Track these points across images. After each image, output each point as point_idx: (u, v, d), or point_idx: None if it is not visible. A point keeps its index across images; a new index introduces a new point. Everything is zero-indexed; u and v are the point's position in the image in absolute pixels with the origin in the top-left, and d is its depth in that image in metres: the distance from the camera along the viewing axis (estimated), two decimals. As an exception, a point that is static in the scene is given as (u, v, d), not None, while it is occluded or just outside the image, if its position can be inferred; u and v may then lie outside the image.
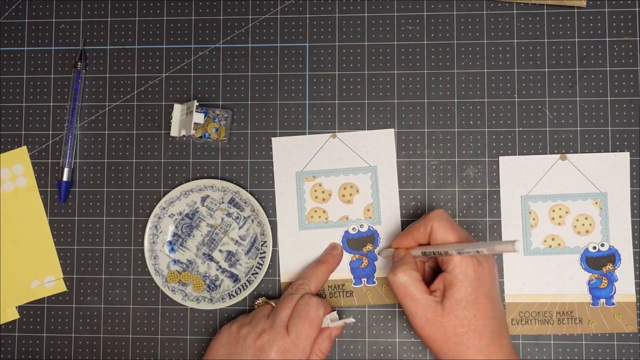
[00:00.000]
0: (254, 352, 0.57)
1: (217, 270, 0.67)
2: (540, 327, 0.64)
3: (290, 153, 0.67)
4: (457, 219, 0.65)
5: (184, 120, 0.66)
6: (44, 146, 0.69)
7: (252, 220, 0.66)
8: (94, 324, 0.67)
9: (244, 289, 0.65)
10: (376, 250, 0.66)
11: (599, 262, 0.64)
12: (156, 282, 0.66)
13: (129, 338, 0.67)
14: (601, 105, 0.65)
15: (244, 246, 0.67)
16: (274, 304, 0.61)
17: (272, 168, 0.67)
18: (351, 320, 0.61)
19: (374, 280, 0.66)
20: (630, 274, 0.64)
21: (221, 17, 0.68)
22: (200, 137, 0.66)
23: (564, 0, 0.66)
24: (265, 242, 0.65)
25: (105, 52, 0.69)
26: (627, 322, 0.64)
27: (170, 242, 0.67)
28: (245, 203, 0.66)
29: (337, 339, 0.65)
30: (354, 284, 0.66)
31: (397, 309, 0.66)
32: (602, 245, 0.64)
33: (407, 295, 0.56)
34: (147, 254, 0.66)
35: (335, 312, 0.61)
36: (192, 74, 0.68)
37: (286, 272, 0.66)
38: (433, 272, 0.61)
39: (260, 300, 0.63)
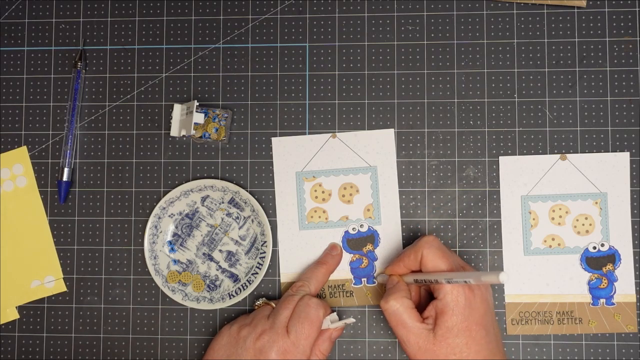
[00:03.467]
0: (254, 353, 0.57)
1: (217, 270, 0.67)
2: (540, 327, 0.64)
3: (290, 153, 0.67)
4: (457, 219, 0.65)
5: (184, 120, 0.66)
6: (44, 146, 0.69)
7: (252, 220, 0.66)
8: (94, 324, 0.67)
9: (244, 289, 0.65)
10: (374, 274, 0.66)
11: (599, 262, 0.64)
12: (156, 282, 0.66)
13: (129, 338, 0.67)
14: (601, 105, 0.65)
15: (244, 246, 0.67)
16: (274, 305, 0.61)
17: (272, 168, 0.67)
18: (351, 320, 0.61)
19: (374, 280, 0.66)
20: (630, 274, 0.64)
21: (221, 17, 0.68)
22: (200, 137, 0.66)
23: (564, 0, 0.66)
24: (265, 242, 0.66)
25: (105, 52, 0.69)
26: (627, 322, 0.64)
27: (170, 242, 0.67)
28: (245, 203, 0.66)
29: (337, 339, 0.65)
30: (354, 284, 0.66)
31: (397, 309, 0.66)
32: (602, 245, 0.64)
33: (399, 323, 0.56)
34: (147, 254, 0.66)
35: (335, 313, 0.61)
36: (192, 74, 0.68)
37: (286, 272, 0.66)
38: (429, 296, 0.61)
39: (260, 301, 0.63)
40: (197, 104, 0.65)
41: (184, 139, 0.68)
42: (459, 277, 0.54)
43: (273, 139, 0.67)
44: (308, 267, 0.65)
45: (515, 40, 0.66)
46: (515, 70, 0.66)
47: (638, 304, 0.64)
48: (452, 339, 0.54)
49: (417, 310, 0.58)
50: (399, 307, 0.57)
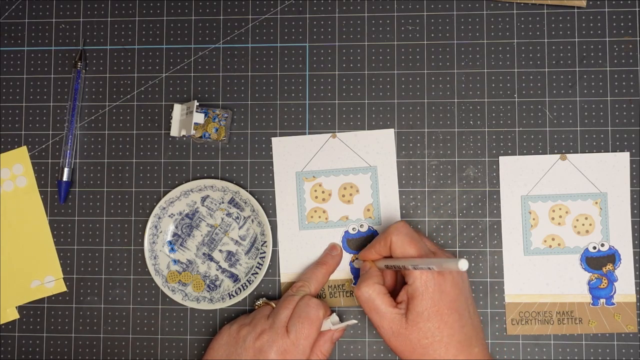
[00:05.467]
0: (253, 353, 0.57)
1: (217, 270, 0.67)
2: (540, 327, 0.64)
3: (290, 153, 0.67)
4: (457, 219, 0.65)
5: (184, 120, 0.66)
6: (44, 146, 0.69)
7: (252, 220, 0.66)
8: (94, 324, 0.67)
9: (244, 289, 0.65)
10: (352, 259, 0.66)
11: (599, 262, 0.64)
12: (156, 282, 0.66)
13: (129, 338, 0.67)
14: (601, 105, 0.65)
15: (244, 246, 0.67)
16: (274, 305, 0.61)
17: (272, 168, 0.67)
18: (353, 322, 0.61)
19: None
20: (630, 274, 0.64)
21: (221, 17, 0.68)
22: (200, 137, 0.66)
23: (564, 0, 0.66)
24: (265, 242, 0.66)
25: (105, 52, 0.69)
26: (627, 322, 0.64)
27: (170, 242, 0.67)
28: (245, 203, 0.66)
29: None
30: (354, 284, 0.66)
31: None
32: (602, 245, 0.64)
33: (372, 309, 0.57)
34: (147, 254, 0.66)
35: (336, 314, 0.61)
36: (192, 74, 0.68)
37: (286, 272, 0.66)
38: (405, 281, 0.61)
39: (260, 301, 0.63)
40: (197, 104, 0.65)
41: (184, 139, 0.68)
42: (423, 264, 0.54)
43: (273, 139, 0.67)
44: (308, 267, 0.65)
45: (515, 40, 0.66)
46: (515, 70, 0.66)
47: (638, 304, 0.64)
48: (424, 324, 0.55)
49: (393, 294, 0.58)
50: (372, 293, 0.57)
